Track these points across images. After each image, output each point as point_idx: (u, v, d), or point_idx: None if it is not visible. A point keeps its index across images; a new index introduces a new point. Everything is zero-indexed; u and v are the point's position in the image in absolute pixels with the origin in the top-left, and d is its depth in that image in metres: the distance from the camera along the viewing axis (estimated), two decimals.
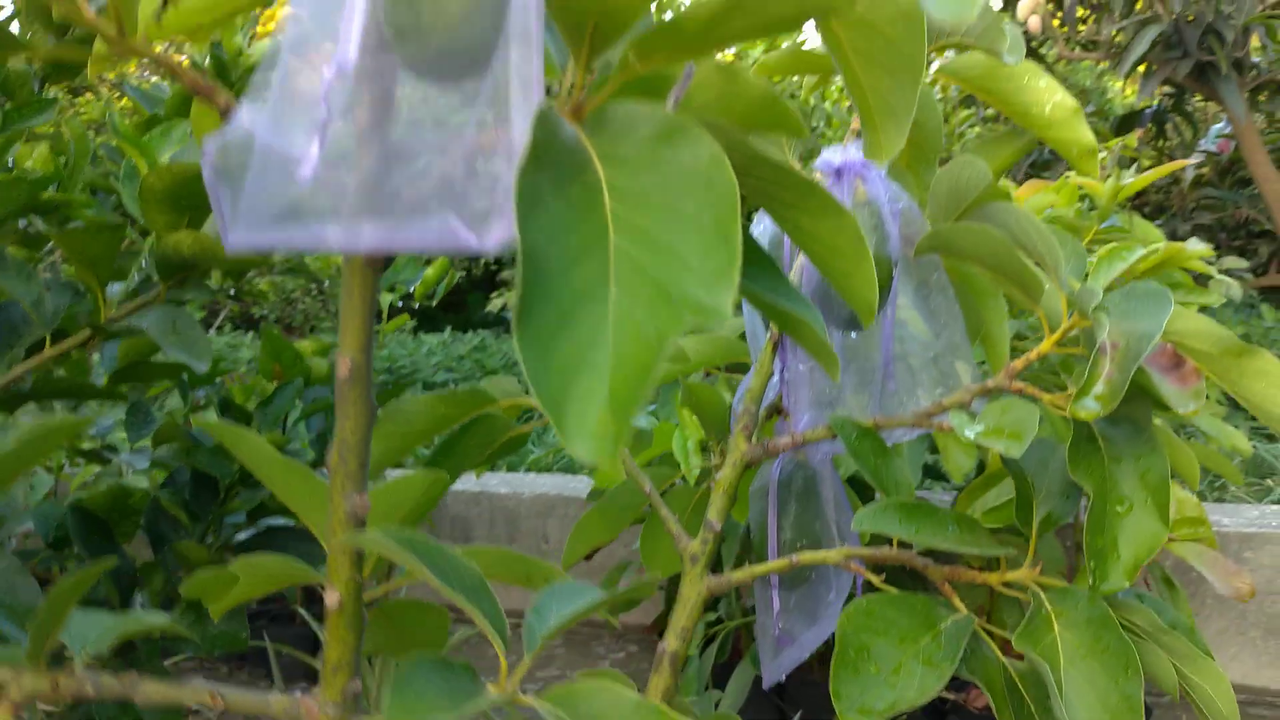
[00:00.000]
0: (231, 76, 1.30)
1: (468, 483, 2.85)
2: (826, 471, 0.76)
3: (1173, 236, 5.12)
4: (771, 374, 0.66)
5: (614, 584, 1.98)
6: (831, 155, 0.66)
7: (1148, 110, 5.50)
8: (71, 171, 0.90)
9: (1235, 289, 2.91)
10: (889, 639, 0.51)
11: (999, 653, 0.56)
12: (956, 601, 0.56)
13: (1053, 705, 0.46)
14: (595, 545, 0.82)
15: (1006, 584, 0.57)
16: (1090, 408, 0.48)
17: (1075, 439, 0.53)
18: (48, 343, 0.78)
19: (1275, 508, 2.53)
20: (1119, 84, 5.75)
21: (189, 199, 0.76)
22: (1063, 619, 0.51)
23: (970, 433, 0.53)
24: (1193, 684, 0.53)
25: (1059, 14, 5.10)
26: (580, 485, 2.86)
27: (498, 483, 2.83)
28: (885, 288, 0.65)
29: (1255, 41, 4.70)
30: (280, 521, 1.04)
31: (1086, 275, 0.61)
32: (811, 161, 0.69)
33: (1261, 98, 5.05)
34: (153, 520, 0.97)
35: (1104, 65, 5.57)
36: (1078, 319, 0.58)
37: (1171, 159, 5.88)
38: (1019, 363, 0.60)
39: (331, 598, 0.39)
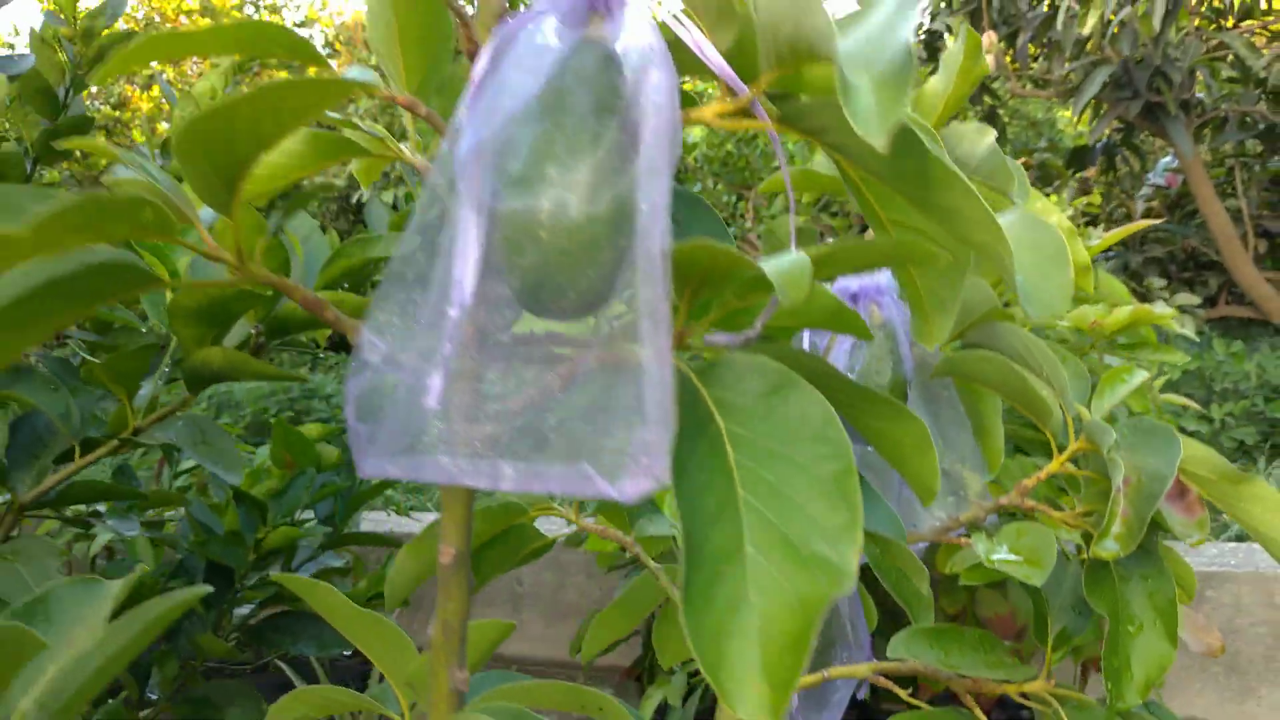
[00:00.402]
0: None
1: (414, 526, 2.85)
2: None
3: (1125, 268, 5.28)
4: None
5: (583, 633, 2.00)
6: (848, 281, 0.70)
7: (1098, 144, 5.67)
8: None
9: (1190, 326, 3.01)
10: None
11: None
12: (979, 714, 0.60)
13: None
14: (616, 639, 0.85)
15: (1024, 694, 0.61)
16: (1110, 548, 0.52)
17: (1089, 565, 0.58)
18: (77, 453, 0.80)
19: (1233, 545, 2.61)
20: (1067, 113, 5.92)
21: (217, 315, 0.78)
22: None
23: (995, 556, 0.57)
24: (1242, 506, 0.57)
25: (1011, 51, 5.26)
26: (554, 527, 2.88)
27: None
28: (902, 399, 0.69)
29: (1199, 80, 4.88)
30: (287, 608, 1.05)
31: (1092, 391, 0.66)
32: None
33: (1205, 133, 5.24)
34: None
35: (1054, 100, 5.73)
36: (1084, 442, 0.62)
37: (1121, 190, 6.07)
38: (1029, 481, 0.65)
39: None
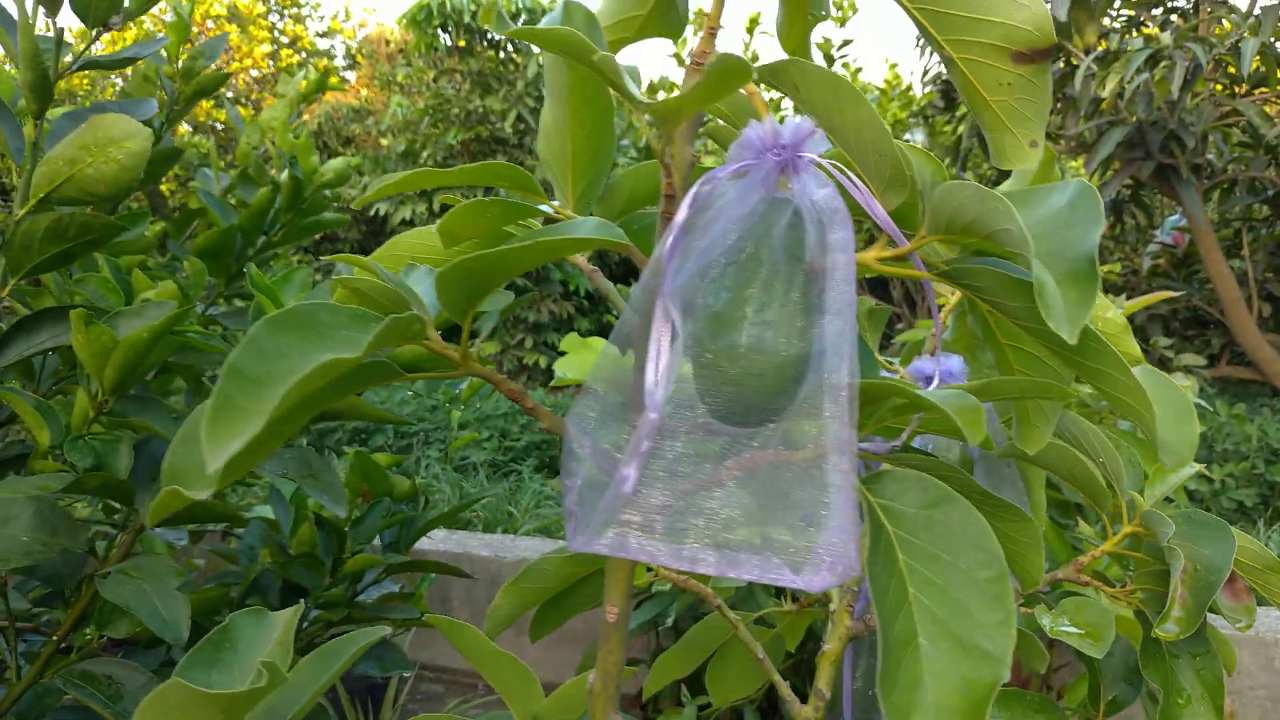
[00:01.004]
0: (306, 193, 1.39)
1: (449, 543, 2.91)
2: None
3: (1130, 323, 5.38)
4: None
5: (592, 657, 2.05)
6: (924, 364, 0.76)
7: (1107, 201, 5.77)
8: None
9: (1194, 387, 3.08)
10: None
11: None
12: None
13: None
14: (675, 679, 0.90)
15: None
16: (1171, 630, 0.58)
17: (1144, 641, 0.64)
18: None
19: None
20: (1076, 164, 6.01)
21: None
22: None
23: (1059, 628, 0.63)
24: None
25: None
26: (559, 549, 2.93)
27: (478, 544, 2.89)
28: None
29: (1211, 144, 4.99)
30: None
31: (1146, 479, 0.72)
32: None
33: (1214, 196, 5.35)
34: None
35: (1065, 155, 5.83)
36: (1136, 525, 0.68)
37: (1128, 245, 6.17)
38: (1085, 559, 0.71)
39: None
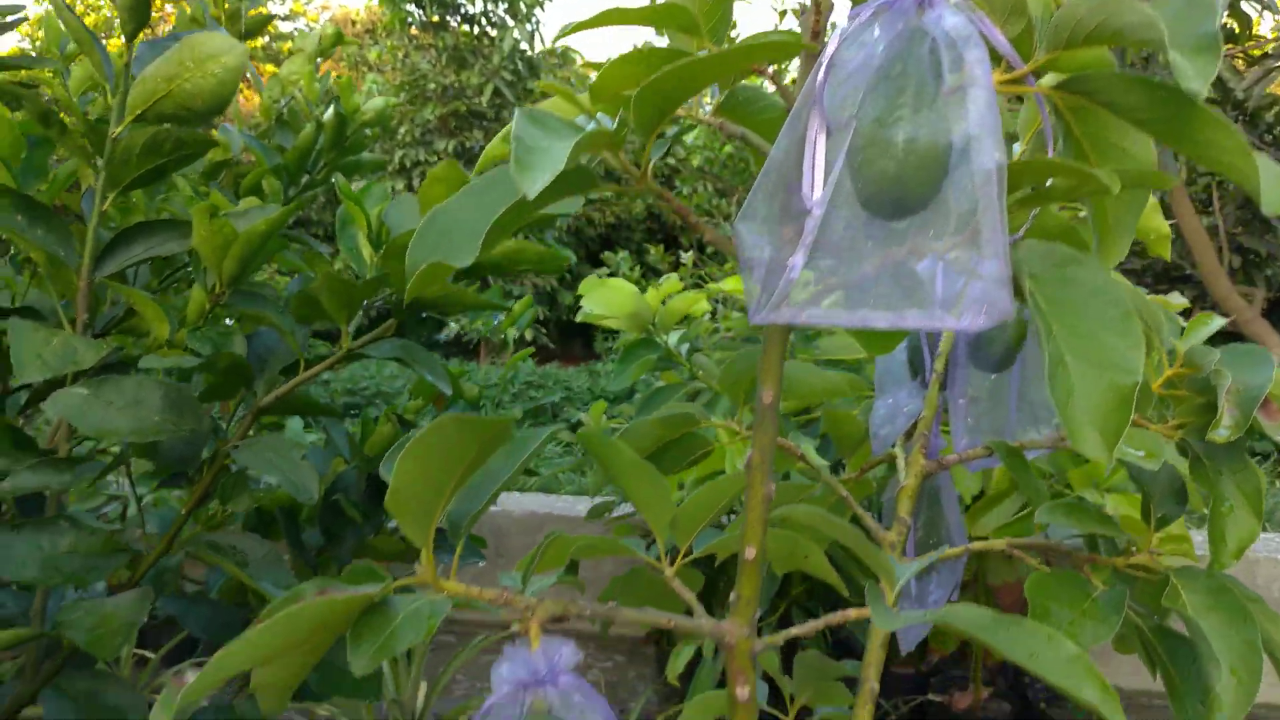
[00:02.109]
0: (348, 130, 1.44)
1: None
2: (947, 483, 0.94)
3: None
4: (935, 407, 0.84)
5: (610, 596, 2.14)
6: None
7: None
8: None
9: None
10: (1060, 603, 0.70)
11: (1134, 611, 0.74)
12: (1094, 579, 0.75)
13: (1195, 640, 0.65)
14: None
15: (1130, 566, 0.76)
16: (1222, 434, 0.67)
17: (1192, 459, 0.73)
18: (301, 366, 0.92)
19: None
20: None
21: None
22: (1186, 587, 0.70)
23: (1125, 449, 0.72)
24: (1275, 644, 0.72)
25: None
26: (565, 505, 3.02)
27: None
28: (1022, 339, 0.84)
29: None
30: None
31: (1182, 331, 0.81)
32: None
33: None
34: (328, 516, 1.10)
35: None
36: (1179, 368, 0.77)
37: None
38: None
39: (749, 552, 0.55)
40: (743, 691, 0.55)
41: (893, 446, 0.92)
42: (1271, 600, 2.59)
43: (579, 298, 1.76)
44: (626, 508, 2.14)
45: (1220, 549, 0.70)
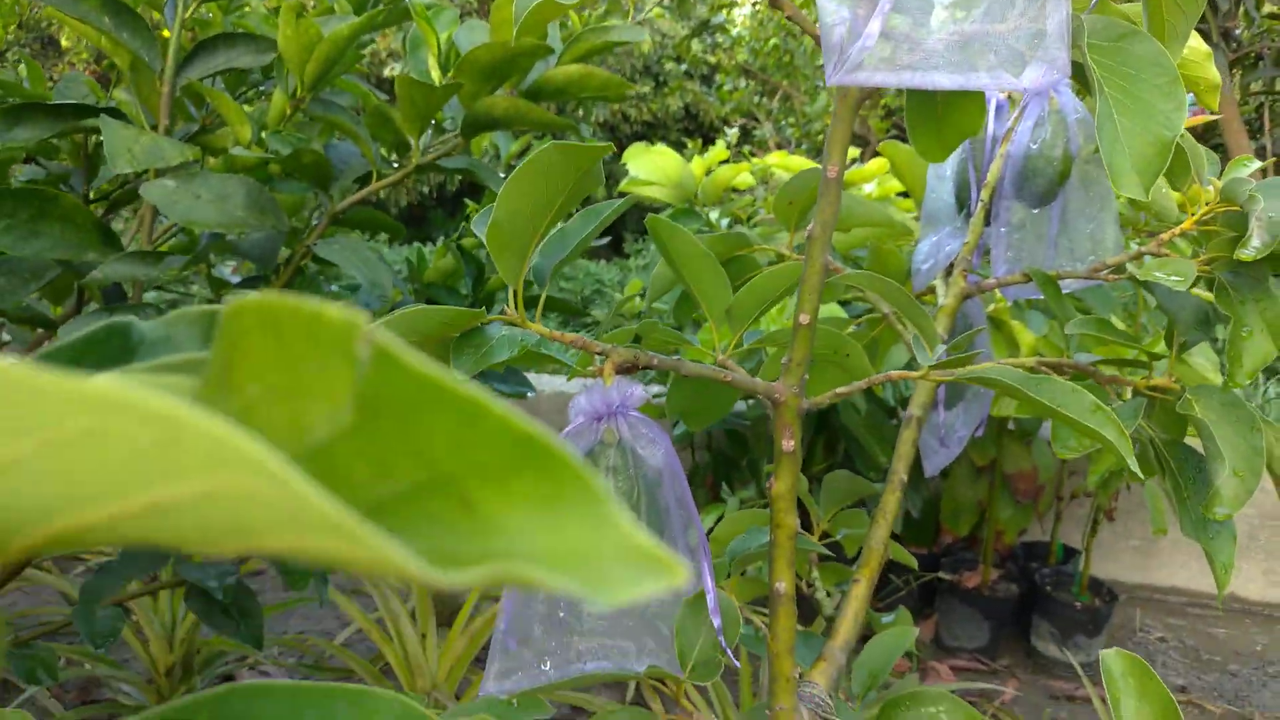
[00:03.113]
0: None
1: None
2: (976, 310, 0.99)
3: None
4: (979, 235, 0.88)
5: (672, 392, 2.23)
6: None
7: None
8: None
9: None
10: (1081, 411, 0.75)
11: (1149, 428, 0.80)
12: (1108, 394, 0.80)
13: (1205, 441, 0.70)
14: None
15: (1151, 387, 0.81)
16: (1250, 253, 0.71)
17: (1218, 286, 0.77)
18: (375, 176, 0.97)
19: None
20: None
21: (500, 71, 0.95)
22: (1200, 403, 0.75)
23: (1152, 274, 0.76)
24: (1277, 459, 0.78)
25: None
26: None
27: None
28: (1066, 177, 0.88)
29: (1243, 12, 4.96)
30: None
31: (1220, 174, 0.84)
32: None
33: (1236, 73, 5.34)
34: None
35: None
36: (1214, 205, 0.81)
37: None
38: (1166, 235, 0.83)
39: (804, 318, 0.60)
40: (788, 444, 0.61)
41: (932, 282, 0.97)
42: None
43: (613, 188, 1.79)
44: (654, 388, 2.20)
45: (1236, 369, 0.75)
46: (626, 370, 0.60)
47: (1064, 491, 2.44)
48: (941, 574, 2.37)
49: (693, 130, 8.68)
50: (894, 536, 2.62)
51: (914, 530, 2.48)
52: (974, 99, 0.68)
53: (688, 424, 0.84)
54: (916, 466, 2.62)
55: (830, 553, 0.95)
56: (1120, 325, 1.57)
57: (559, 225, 0.59)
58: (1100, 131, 0.46)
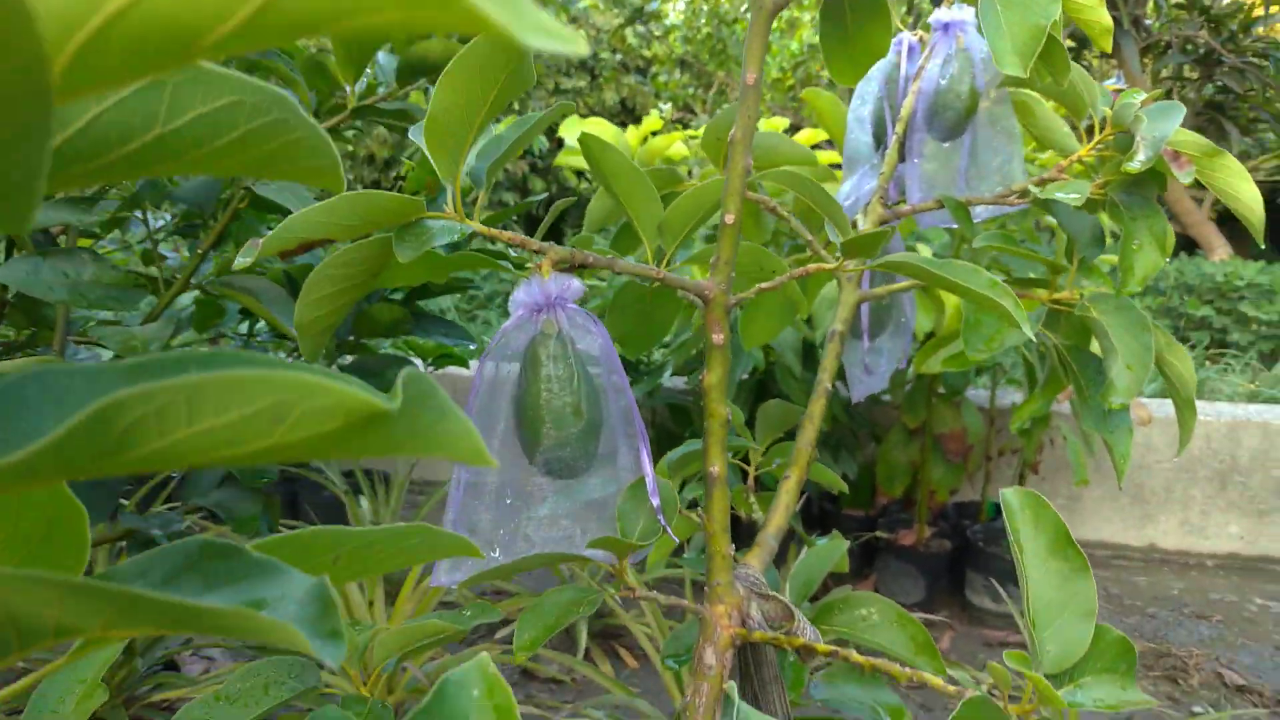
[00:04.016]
0: None
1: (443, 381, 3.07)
2: (897, 247, 1.04)
3: None
4: (894, 167, 0.93)
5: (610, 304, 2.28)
6: (941, 14, 0.92)
7: None
8: None
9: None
10: (990, 317, 0.80)
11: (1050, 334, 0.85)
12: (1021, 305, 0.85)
13: (1101, 339, 0.76)
14: None
15: (1055, 300, 0.86)
16: (1136, 166, 0.77)
17: (1110, 204, 0.83)
18: None
19: (1148, 400, 2.97)
20: None
21: None
22: (1097, 308, 0.81)
23: (1052, 194, 0.82)
24: (1172, 367, 0.84)
25: None
26: None
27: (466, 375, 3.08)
28: (973, 111, 0.93)
29: (1151, 3, 5.17)
30: None
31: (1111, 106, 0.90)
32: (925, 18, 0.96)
33: (1147, 60, 5.56)
34: None
35: None
36: (1108, 132, 0.87)
37: None
38: (1065, 162, 0.89)
39: (729, 218, 0.64)
40: (718, 338, 0.65)
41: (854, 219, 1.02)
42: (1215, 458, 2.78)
43: (550, 185, 1.82)
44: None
45: (1129, 278, 0.81)
46: (564, 267, 0.63)
47: (992, 450, 2.53)
48: (879, 534, 2.45)
49: (629, 123, 8.73)
50: (832, 499, 2.70)
51: (852, 493, 2.56)
52: (880, 22, 0.73)
53: (626, 349, 0.88)
54: (848, 440, 2.69)
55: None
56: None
57: (492, 128, 0.62)
58: (984, 19, 0.51)
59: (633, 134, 1.94)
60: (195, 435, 0.18)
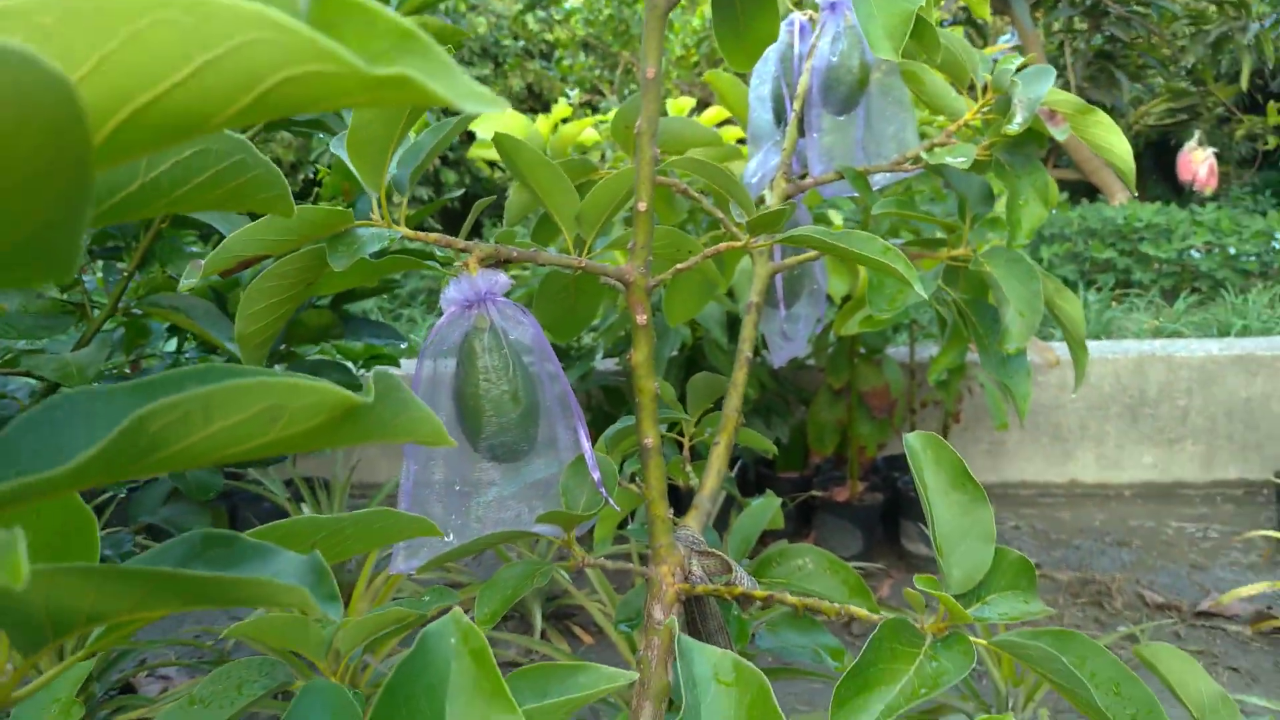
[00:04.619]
0: None
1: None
2: (804, 218, 1.10)
3: None
4: (795, 141, 0.98)
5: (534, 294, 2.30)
6: None
7: (944, 22, 6.12)
8: None
9: None
10: (895, 280, 0.86)
11: (949, 290, 0.92)
12: (923, 265, 0.92)
13: (994, 291, 0.82)
14: None
15: (952, 257, 0.93)
16: (1014, 127, 0.83)
17: (995, 163, 0.89)
18: None
19: (1061, 343, 3.11)
20: None
21: None
22: (990, 261, 0.87)
23: (943, 159, 0.88)
24: (1062, 310, 0.91)
25: None
26: None
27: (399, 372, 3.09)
28: (865, 84, 0.99)
29: None
30: None
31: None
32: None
33: (1038, 14, 5.75)
34: None
35: None
36: (990, 96, 0.93)
37: None
38: (952, 127, 0.96)
39: (641, 205, 0.68)
40: (641, 319, 0.69)
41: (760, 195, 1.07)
42: (1121, 391, 2.92)
43: (463, 177, 1.84)
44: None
45: (1017, 232, 0.88)
46: (490, 263, 0.67)
47: (915, 404, 2.64)
48: (814, 492, 2.53)
49: (537, 109, 8.70)
50: (768, 463, 2.77)
51: (785, 456, 2.64)
52: (768, 11, 0.77)
53: (555, 335, 0.91)
54: (778, 405, 2.74)
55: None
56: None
57: (411, 138, 0.65)
58: (856, 6, 0.56)
59: (543, 123, 1.96)
60: (209, 436, 0.22)
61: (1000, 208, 1.31)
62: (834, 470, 2.67)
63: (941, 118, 1.93)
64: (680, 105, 2.13)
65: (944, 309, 0.99)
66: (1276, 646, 1.99)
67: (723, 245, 0.70)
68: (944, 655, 0.47)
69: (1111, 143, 0.91)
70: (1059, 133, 0.89)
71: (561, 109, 1.96)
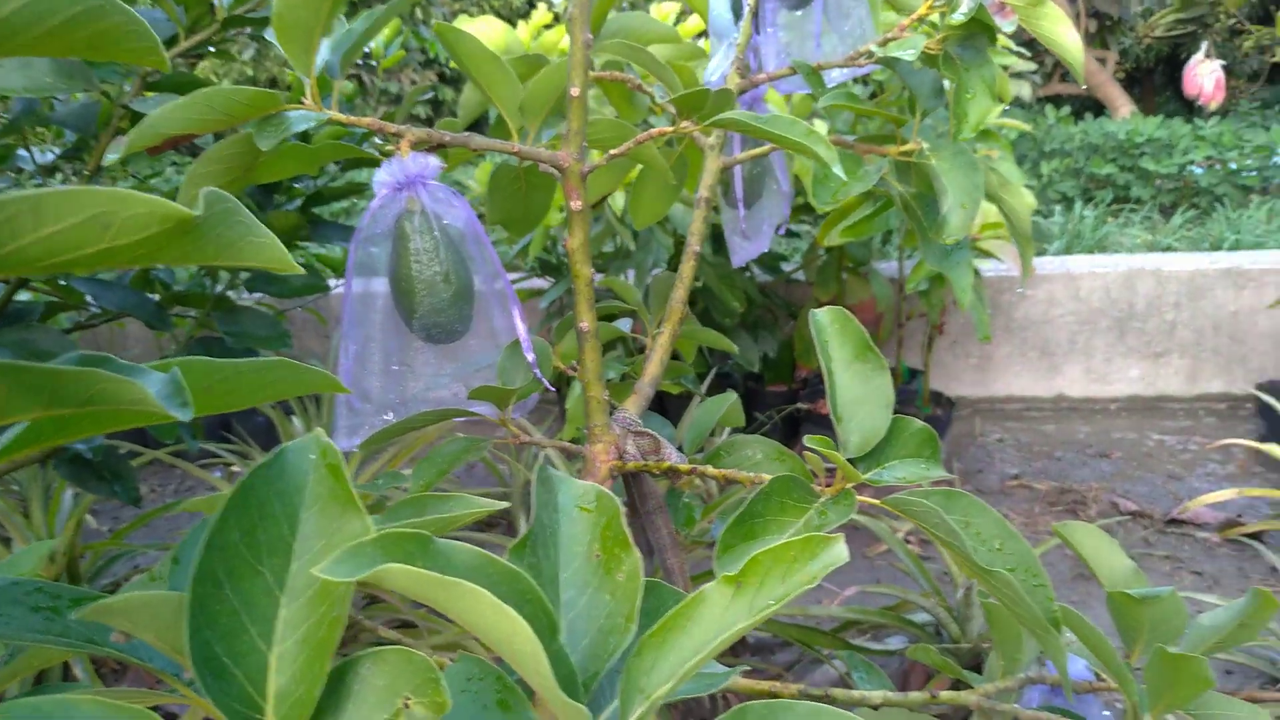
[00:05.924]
0: None
1: None
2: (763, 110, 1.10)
3: None
4: (749, 36, 0.98)
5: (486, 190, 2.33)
6: None
7: None
8: None
9: (1025, 89, 3.37)
10: (847, 166, 0.87)
11: (897, 184, 0.93)
12: (869, 160, 0.93)
13: (935, 183, 0.83)
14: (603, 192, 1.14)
15: (902, 153, 0.94)
16: (958, 17, 0.83)
17: (945, 56, 0.89)
18: (182, 38, 1.01)
19: (1049, 259, 3.11)
20: None
21: None
22: (936, 154, 0.88)
23: (894, 52, 0.88)
24: (1006, 203, 0.92)
25: None
26: None
27: None
28: None
29: None
30: None
31: None
32: None
33: None
34: None
35: None
36: None
37: None
38: (905, 22, 0.95)
39: (574, 90, 0.69)
40: (576, 204, 0.71)
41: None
42: (1116, 307, 2.93)
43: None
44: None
45: (963, 124, 0.88)
46: (424, 147, 0.68)
47: (902, 317, 2.65)
48: (800, 405, 2.57)
49: (512, 13, 8.52)
50: (756, 377, 2.80)
51: (773, 370, 2.67)
52: None
53: (510, 230, 0.93)
54: (766, 319, 2.76)
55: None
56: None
57: (346, 26, 0.66)
58: None
59: (524, 30, 1.95)
60: (40, 240, 0.24)
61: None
62: (820, 384, 2.70)
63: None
64: (664, 13, 2.10)
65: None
66: (1242, 552, 2.04)
67: (654, 131, 0.71)
68: (831, 510, 0.50)
69: (1061, 35, 0.91)
70: (1007, 25, 0.89)
71: (543, 16, 1.94)
